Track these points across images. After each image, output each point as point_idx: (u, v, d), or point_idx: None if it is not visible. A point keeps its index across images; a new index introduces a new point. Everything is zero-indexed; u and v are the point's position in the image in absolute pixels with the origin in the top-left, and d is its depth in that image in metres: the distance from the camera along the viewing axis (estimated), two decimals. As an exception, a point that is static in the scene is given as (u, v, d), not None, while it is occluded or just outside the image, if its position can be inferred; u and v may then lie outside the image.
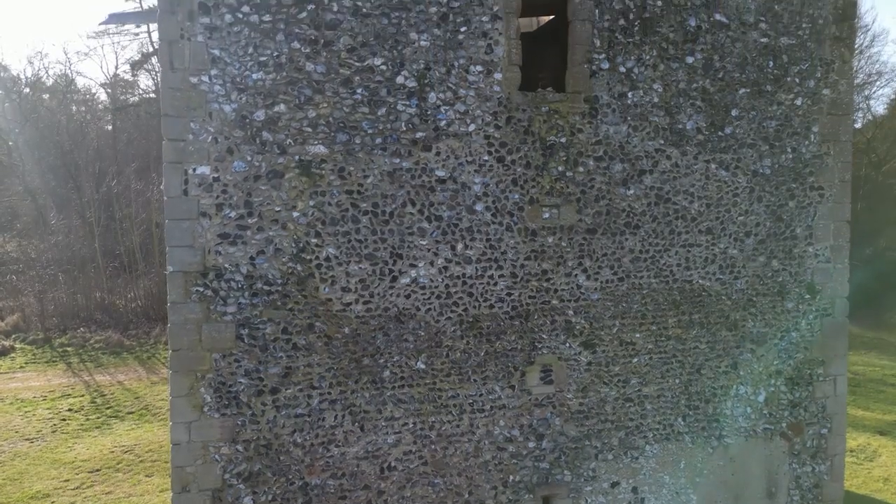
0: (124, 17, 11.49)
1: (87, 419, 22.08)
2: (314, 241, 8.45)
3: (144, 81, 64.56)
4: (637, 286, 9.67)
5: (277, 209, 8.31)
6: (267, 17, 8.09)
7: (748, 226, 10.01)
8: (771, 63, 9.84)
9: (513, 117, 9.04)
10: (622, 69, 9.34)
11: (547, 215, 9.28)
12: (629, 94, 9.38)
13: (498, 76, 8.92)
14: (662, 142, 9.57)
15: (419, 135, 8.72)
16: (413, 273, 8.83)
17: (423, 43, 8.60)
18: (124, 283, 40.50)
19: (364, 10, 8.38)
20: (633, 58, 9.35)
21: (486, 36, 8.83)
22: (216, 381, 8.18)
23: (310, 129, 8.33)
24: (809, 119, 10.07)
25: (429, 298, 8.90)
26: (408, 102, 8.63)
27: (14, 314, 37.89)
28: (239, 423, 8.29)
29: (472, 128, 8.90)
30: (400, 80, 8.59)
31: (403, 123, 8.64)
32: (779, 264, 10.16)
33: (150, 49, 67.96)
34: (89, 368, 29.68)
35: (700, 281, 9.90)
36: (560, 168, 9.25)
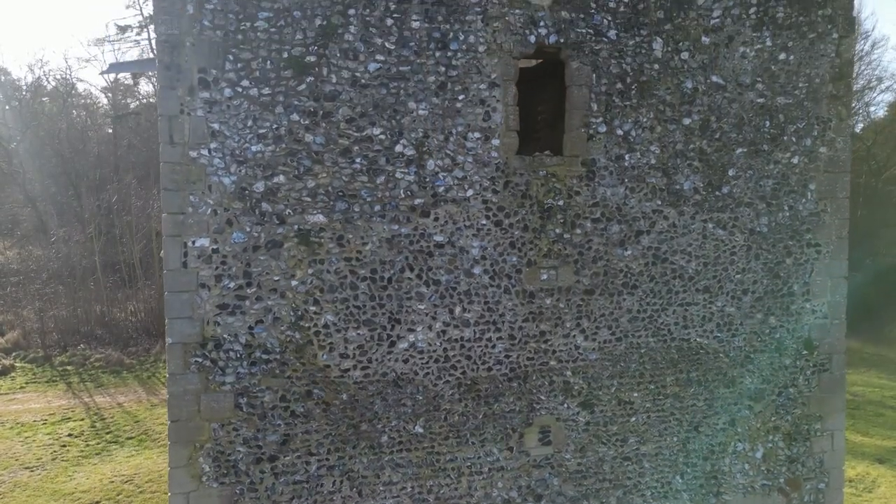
0: (125, 67, 11.58)
1: (87, 445, 22.13)
2: (312, 308, 8.50)
3: (144, 87, 64.73)
4: (635, 345, 9.71)
5: (276, 278, 8.35)
6: (266, 91, 8.14)
7: (745, 284, 10.05)
8: (768, 123, 9.89)
9: (510, 181, 9.09)
10: (619, 132, 9.38)
11: (545, 277, 9.32)
12: (626, 157, 9.43)
13: (496, 142, 8.97)
14: (660, 202, 9.61)
15: (418, 201, 8.77)
16: (411, 338, 8.87)
17: (421, 112, 8.65)
18: (124, 296, 40.57)
19: (363, 81, 8.43)
20: (630, 120, 9.40)
21: (484, 103, 8.88)
22: (215, 451, 8.22)
23: (309, 199, 8.38)
24: (806, 177, 10.12)
25: (427, 363, 8.94)
26: (406, 170, 8.67)
27: (14, 330, 37.96)
28: (237, 491, 8.33)
29: (470, 193, 8.95)
30: (398, 148, 8.63)
31: (402, 191, 8.69)
32: (776, 321, 10.20)
33: (151, 55, 68.18)
34: (89, 389, 29.73)
35: (698, 339, 9.94)
36: (558, 230, 9.30)
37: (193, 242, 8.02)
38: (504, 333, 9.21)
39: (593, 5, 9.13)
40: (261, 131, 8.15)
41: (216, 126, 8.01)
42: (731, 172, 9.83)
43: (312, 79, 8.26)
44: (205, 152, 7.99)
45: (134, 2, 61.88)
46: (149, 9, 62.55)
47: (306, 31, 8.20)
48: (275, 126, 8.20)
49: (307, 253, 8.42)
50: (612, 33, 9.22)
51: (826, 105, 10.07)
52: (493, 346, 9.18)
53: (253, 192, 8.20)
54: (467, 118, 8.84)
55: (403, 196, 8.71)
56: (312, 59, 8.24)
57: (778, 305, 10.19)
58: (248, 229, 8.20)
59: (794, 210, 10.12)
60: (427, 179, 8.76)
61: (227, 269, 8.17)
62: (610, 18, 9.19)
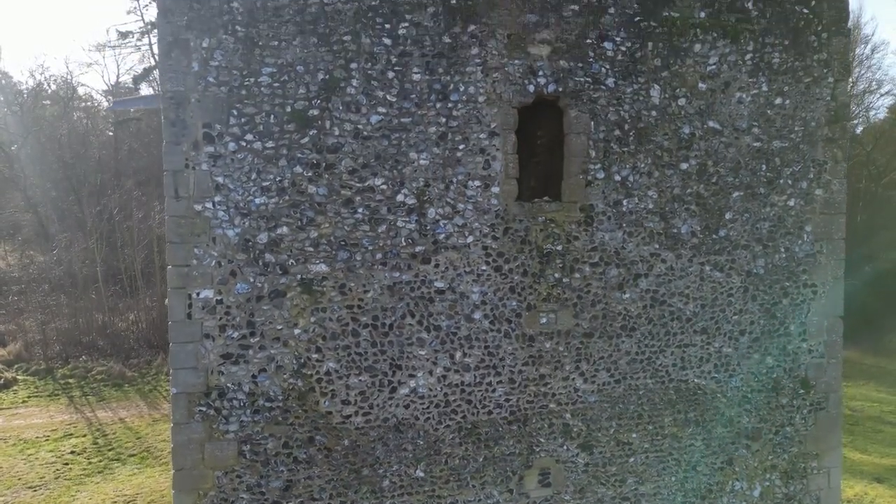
0: (129, 103, 11.69)
1: (90, 462, 22.25)
2: (315, 356, 8.62)
3: (145, 90, 64.92)
4: (633, 387, 9.83)
5: (279, 327, 8.48)
6: (270, 144, 8.27)
7: (742, 324, 10.18)
8: (764, 166, 10.02)
9: (510, 228, 9.22)
10: (617, 178, 9.51)
11: (544, 321, 9.45)
12: (624, 202, 9.56)
13: (495, 189, 9.10)
14: (657, 246, 9.74)
15: (419, 248, 8.90)
16: (412, 383, 9.00)
17: (422, 161, 8.79)
18: (125, 306, 40.66)
19: (365, 132, 8.56)
20: (628, 166, 9.53)
21: (484, 152, 9.01)
22: (218, 498, 8.35)
23: (311, 249, 8.51)
24: (802, 219, 10.24)
25: (427, 408, 9.07)
26: (407, 219, 8.80)
27: (17, 342, 38.08)
28: (241, 537, 8.46)
29: (470, 240, 9.08)
30: (400, 197, 8.77)
31: (403, 239, 8.82)
32: (773, 361, 10.33)
33: (152, 62, 68.17)
34: (91, 403, 29.86)
35: (695, 380, 10.07)
36: (557, 275, 9.42)
37: (198, 294, 8.15)
38: (504, 377, 9.34)
39: (591, 54, 9.26)
40: (264, 184, 8.29)
41: (220, 179, 8.14)
42: (728, 216, 9.96)
43: (315, 131, 8.39)
44: (209, 205, 8.13)
45: (135, 7, 62.05)
46: (150, 15, 62.56)
47: (309, 85, 8.33)
48: (278, 178, 8.33)
49: (310, 302, 8.55)
50: (610, 81, 9.35)
51: (822, 148, 10.20)
52: (494, 390, 9.31)
53: (256, 244, 8.33)
54: (467, 167, 8.98)
55: (405, 244, 8.84)
56: (315, 112, 8.38)
57: (775, 345, 10.31)
58: (251, 280, 8.34)
59: (790, 251, 10.24)
60: (428, 227, 8.89)
61: (231, 320, 8.30)
62: (608, 67, 9.32)
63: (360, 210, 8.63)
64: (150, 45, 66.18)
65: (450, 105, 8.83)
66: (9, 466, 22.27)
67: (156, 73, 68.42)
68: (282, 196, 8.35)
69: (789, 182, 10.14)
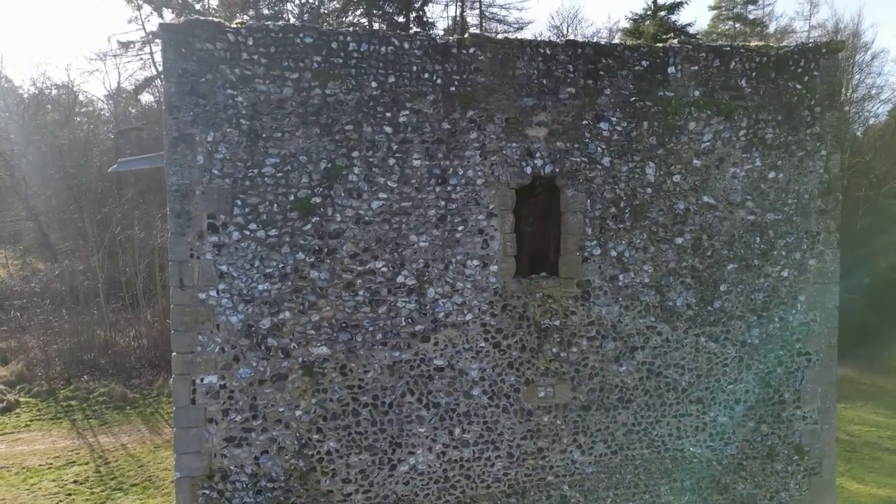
0: (133, 163, 11.88)
1: (92, 493, 22.39)
2: (316, 436, 8.80)
3: (146, 97, 65.12)
4: (630, 458, 9.99)
5: (281, 409, 8.66)
6: (273, 232, 8.45)
7: (737, 393, 10.34)
8: (758, 239, 10.19)
9: (508, 304, 9.39)
10: (613, 253, 9.69)
11: (542, 394, 9.62)
12: (620, 277, 9.73)
13: (494, 268, 9.27)
14: (653, 319, 9.91)
15: (418, 328, 9.07)
16: (412, 460, 9.17)
17: (422, 244, 8.96)
18: (127, 321, 40.75)
19: (366, 218, 8.74)
20: (624, 242, 9.70)
21: (483, 232, 9.19)
22: (223, 578, 8.52)
23: (313, 332, 8.69)
24: (796, 289, 10.41)
25: (427, 484, 9.23)
26: (407, 299, 8.98)
27: (19, 362, 38.23)
28: None
29: (469, 317, 9.25)
30: (400, 279, 8.94)
31: (403, 319, 9.00)
32: (768, 428, 10.49)
33: (154, 71, 68.27)
34: (93, 427, 30.01)
35: (691, 449, 10.23)
36: (554, 349, 9.59)
37: (202, 380, 8.32)
38: (503, 452, 9.50)
39: (588, 135, 9.44)
40: (267, 270, 8.47)
41: (224, 268, 8.32)
42: (722, 288, 10.13)
43: (318, 218, 8.57)
44: (213, 293, 8.31)
45: (136, 17, 62.25)
46: (151, 26, 62.62)
47: (312, 174, 8.52)
48: (281, 265, 8.51)
49: (311, 384, 8.72)
50: (606, 160, 9.53)
51: (815, 219, 10.37)
52: (492, 465, 9.47)
53: (259, 329, 8.51)
54: (466, 247, 9.15)
55: (404, 323, 9.02)
56: (318, 200, 8.56)
57: (769, 413, 10.47)
58: (254, 364, 8.51)
59: (784, 321, 10.41)
60: (427, 306, 9.06)
61: (233, 404, 8.47)
62: (604, 146, 9.50)
63: (360, 293, 8.81)
64: (152, 53, 66.25)
65: (449, 188, 9.01)
66: (12, 497, 22.43)
67: (157, 82, 68.54)
68: (284, 282, 8.53)
69: (783, 253, 10.31)
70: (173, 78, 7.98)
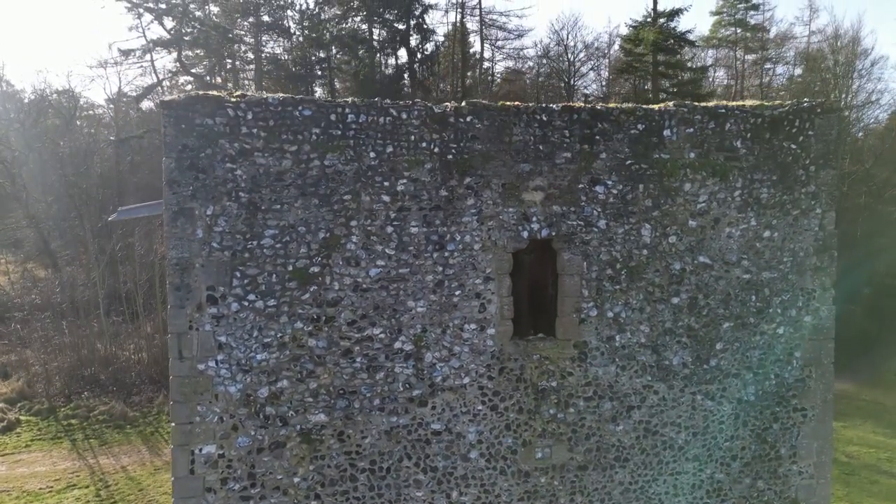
0: (134, 212, 11.96)
1: (93, 518, 22.48)
2: (314, 503, 8.86)
3: (147, 103, 65.34)
4: (626, 516, 10.07)
5: (279, 477, 8.72)
6: (272, 302, 8.53)
7: (734, 450, 10.40)
8: (754, 297, 10.25)
9: (505, 367, 9.46)
10: (610, 314, 9.76)
11: (539, 455, 9.68)
12: (617, 337, 9.80)
13: (491, 331, 9.35)
14: (650, 378, 9.98)
15: (416, 392, 9.14)
16: (410, 524, 9.24)
17: (419, 309, 9.04)
18: (127, 334, 40.76)
19: (364, 285, 8.82)
20: (620, 303, 9.77)
21: (480, 296, 9.26)
22: None
23: (311, 399, 8.76)
24: (792, 345, 10.47)
25: (425, 547, 9.31)
26: (405, 364, 9.05)
27: (19, 378, 38.27)
28: None
29: (466, 381, 9.32)
30: (398, 344, 9.02)
31: (400, 384, 9.06)
32: (764, 484, 10.54)
33: (155, 79, 68.37)
34: (93, 447, 30.10)
35: (687, 506, 10.30)
36: (552, 410, 9.66)
37: (200, 450, 8.39)
38: (500, 513, 9.58)
39: (584, 198, 9.51)
40: (266, 340, 8.54)
41: (223, 339, 8.39)
42: (718, 346, 10.19)
43: (316, 287, 8.65)
44: (212, 364, 8.38)
45: (137, 25, 62.45)
46: (152, 34, 62.72)
47: (310, 243, 8.59)
48: (279, 334, 8.58)
49: (309, 451, 8.79)
50: (601, 223, 9.60)
51: (810, 277, 10.43)
52: (489, 526, 9.54)
53: (258, 398, 8.58)
54: (463, 311, 9.22)
55: (402, 389, 9.08)
56: (316, 269, 8.64)
57: (766, 469, 10.52)
58: (252, 433, 8.58)
59: (780, 377, 10.47)
60: (425, 371, 9.13)
61: (232, 472, 8.54)
62: (600, 210, 9.57)
63: (358, 359, 8.88)
64: (153, 61, 66.33)
65: (446, 254, 9.08)
66: (13, 525, 22.50)
67: (158, 90, 68.56)
68: (282, 351, 8.61)
69: (778, 311, 10.37)
70: (173, 154, 8.07)
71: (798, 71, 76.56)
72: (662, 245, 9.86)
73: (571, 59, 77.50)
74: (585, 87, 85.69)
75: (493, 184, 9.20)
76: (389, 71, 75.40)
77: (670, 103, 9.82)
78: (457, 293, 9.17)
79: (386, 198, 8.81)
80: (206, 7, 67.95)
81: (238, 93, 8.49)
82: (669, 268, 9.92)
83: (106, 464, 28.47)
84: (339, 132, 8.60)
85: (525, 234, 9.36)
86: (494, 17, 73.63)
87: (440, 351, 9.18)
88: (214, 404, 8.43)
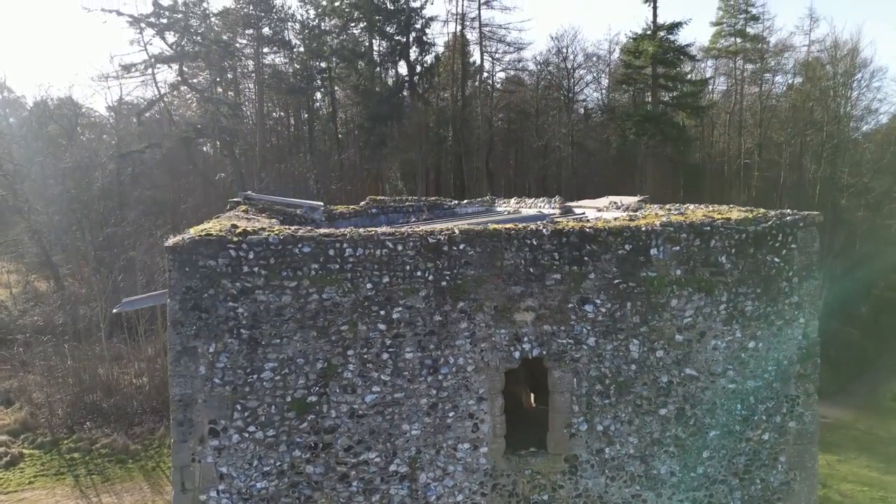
0: (137, 303, 12.27)
1: (95, 564, 22.79)
2: None
3: (147, 112, 65.80)
4: None
5: None
6: (271, 432, 8.85)
7: (720, 552, 10.73)
8: (739, 405, 10.57)
9: (498, 483, 9.78)
10: (599, 427, 10.08)
11: (530, 564, 10.01)
12: (606, 450, 10.12)
13: (484, 450, 9.67)
14: (638, 487, 10.29)
15: (411, 510, 9.47)
16: None
17: (414, 432, 9.36)
18: (127, 360, 41.04)
19: (360, 411, 9.14)
20: (609, 416, 10.09)
21: (473, 416, 9.58)
22: None
23: (310, 522, 9.09)
24: (777, 450, 10.78)
25: None
26: (400, 486, 9.37)
27: (21, 407, 38.59)
28: None
29: (460, 498, 9.64)
30: (393, 467, 9.34)
31: (396, 504, 9.40)
32: (749, 584, 10.87)
33: (157, 93, 68.72)
34: (96, 484, 30.47)
35: None
36: (542, 521, 9.99)
37: (204, 577, 8.72)
38: None
39: (573, 317, 9.83)
40: (265, 469, 8.86)
41: (224, 469, 8.72)
42: (705, 454, 10.51)
43: (314, 416, 8.97)
44: (213, 494, 8.70)
45: (138, 38, 62.86)
46: (154, 49, 63.03)
47: (308, 374, 8.92)
48: (278, 463, 8.91)
49: (308, 571, 9.12)
50: (591, 340, 9.92)
51: (794, 384, 10.74)
52: None
53: (258, 524, 8.91)
54: (457, 431, 9.55)
55: (397, 508, 9.41)
56: (314, 398, 8.96)
57: (751, 569, 10.86)
58: (253, 557, 8.91)
59: (765, 482, 10.78)
60: (419, 491, 9.46)
61: None
62: (589, 328, 9.89)
63: (354, 483, 9.20)
64: (153, 75, 66.69)
65: (440, 377, 9.40)
66: (16, 573, 22.81)
67: (159, 105, 68.73)
68: (281, 479, 8.93)
69: (763, 418, 10.69)
70: (178, 296, 8.39)
71: (798, 80, 76.70)
72: (650, 359, 10.17)
73: (570, 69, 77.59)
74: (585, 99, 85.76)
75: (485, 307, 9.53)
76: (390, 81, 75.63)
77: (657, 223, 10.14)
78: (450, 414, 9.50)
79: (382, 326, 9.14)
80: (208, 20, 68.25)
81: (240, 230, 8.82)
82: (657, 381, 10.24)
83: (108, 502, 28.84)
84: (338, 266, 8.92)
85: (517, 354, 9.68)
86: (493, 28, 73.88)
87: (434, 471, 9.50)
88: (216, 532, 8.76)
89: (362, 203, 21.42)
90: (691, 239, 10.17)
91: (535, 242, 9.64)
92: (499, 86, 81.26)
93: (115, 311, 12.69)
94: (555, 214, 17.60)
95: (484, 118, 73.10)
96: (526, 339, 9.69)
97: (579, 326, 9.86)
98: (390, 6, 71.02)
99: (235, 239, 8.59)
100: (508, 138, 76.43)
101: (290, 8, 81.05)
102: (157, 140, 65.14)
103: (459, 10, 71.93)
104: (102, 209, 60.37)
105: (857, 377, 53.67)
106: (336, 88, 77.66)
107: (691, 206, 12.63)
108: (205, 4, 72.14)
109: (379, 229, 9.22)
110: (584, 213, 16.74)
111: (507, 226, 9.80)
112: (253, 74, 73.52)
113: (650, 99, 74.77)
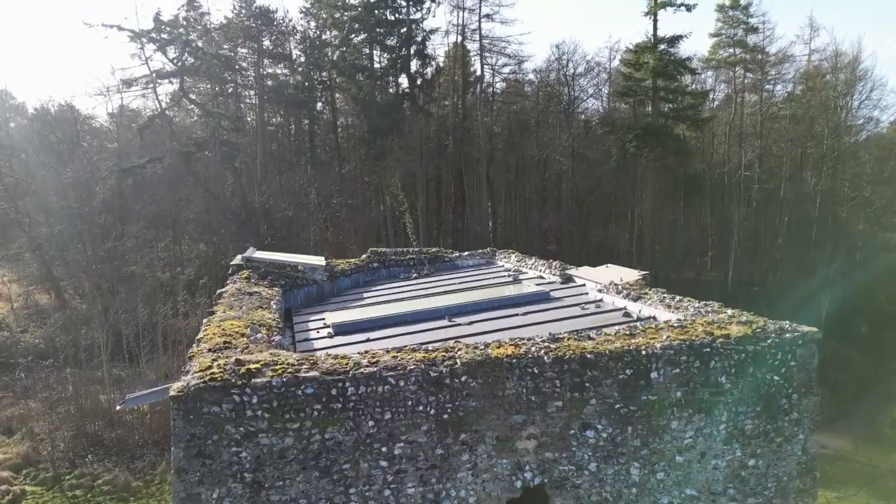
0: (141, 399, 12.34)
1: None
2: None
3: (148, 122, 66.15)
4: None
5: None
6: (274, 572, 8.93)
7: None
8: (739, 522, 10.67)
9: None
10: (600, 550, 10.16)
11: None
12: (606, 571, 10.21)
13: (485, 576, 9.74)
14: None
15: None
16: None
17: (416, 564, 9.43)
18: (127, 385, 41.15)
19: (362, 548, 9.22)
20: (610, 538, 10.17)
21: (475, 546, 9.67)
22: None
23: None
24: (776, 564, 10.89)
25: None
26: None
27: (23, 438, 38.66)
28: None
29: None
30: None
31: None
32: None
33: (158, 107, 69.01)
34: (98, 524, 30.58)
35: None
36: None
37: None
38: None
39: (575, 443, 9.90)
40: None
41: None
42: (705, 572, 10.60)
43: None
44: None
45: (139, 54, 62.92)
46: (155, 64, 63.14)
47: (311, 514, 8.99)
48: None
49: None
50: (592, 465, 9.99)
51: (794, 498, 10.83)
52: None
53: None
54: (458, 563, 9.61)
55: None
56: (318, 545, 9.03)
57: None
58: None
59: None
60: None
61: None
62: (590, 453, 9.96)
63: None
64: (155, 89, 66.89)
65: (442, 510, 9.48)
66: None
67: (159, 121, 68.78)
68: None
69: (763, 533, 10.79)
70: (182, 444, 8.45)
71: (799, 89, 76.84)
72: (651, 482, 10.25)
73: (571, 78, 77.38)
74: (587, 110, 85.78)
75: (487, 437, 9.59)
76: (391, 91, 75.58)
77: (657, 345, 10.20)
78: (451, 548, 9.58)
79: (384, 463, 9.21)
80: (209, 34, 68.24)
81: (244, 370, 8.89)
82: (658, 503, 10.31)
83: (110, 545, 28.96)
84: (340, 405, 8.99)
85: (518, 483, 9.75)
86: (493, 41, 73.84)
87: None
88: None
89: (363, 257, 21.47)
90: (691, 361, 10.24)
91: (536, 371, 9.70)
92: (499, 97, 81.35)
93: (118, 408, 12.77)
94: (555, 282, 17.66)
95: (484, 128, 73.07)
96: (527, 467, 9.76)
97: (581, 452, 9.93)
98: (391, 17, 71.09)
99: (240, 382, 8.65)
100: (508, 148, 76.47)
101: (290, 21, 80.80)
102: (159, 154, 65.23)
103: (460, 22, 71.97)
104: (104, 223, 60.50)
105: (856, 400, 53.59)
106: (337, 96, 77.66)
107: (691, 309, 12.63)
108: (206, 19, 71.95)
109: (381, 366, 9.27)
110: (584, 285, 16.82)
111: (509, 351, 9.87)
112: (254, 85, 73.54)
113: (650, 111, 74.72)
